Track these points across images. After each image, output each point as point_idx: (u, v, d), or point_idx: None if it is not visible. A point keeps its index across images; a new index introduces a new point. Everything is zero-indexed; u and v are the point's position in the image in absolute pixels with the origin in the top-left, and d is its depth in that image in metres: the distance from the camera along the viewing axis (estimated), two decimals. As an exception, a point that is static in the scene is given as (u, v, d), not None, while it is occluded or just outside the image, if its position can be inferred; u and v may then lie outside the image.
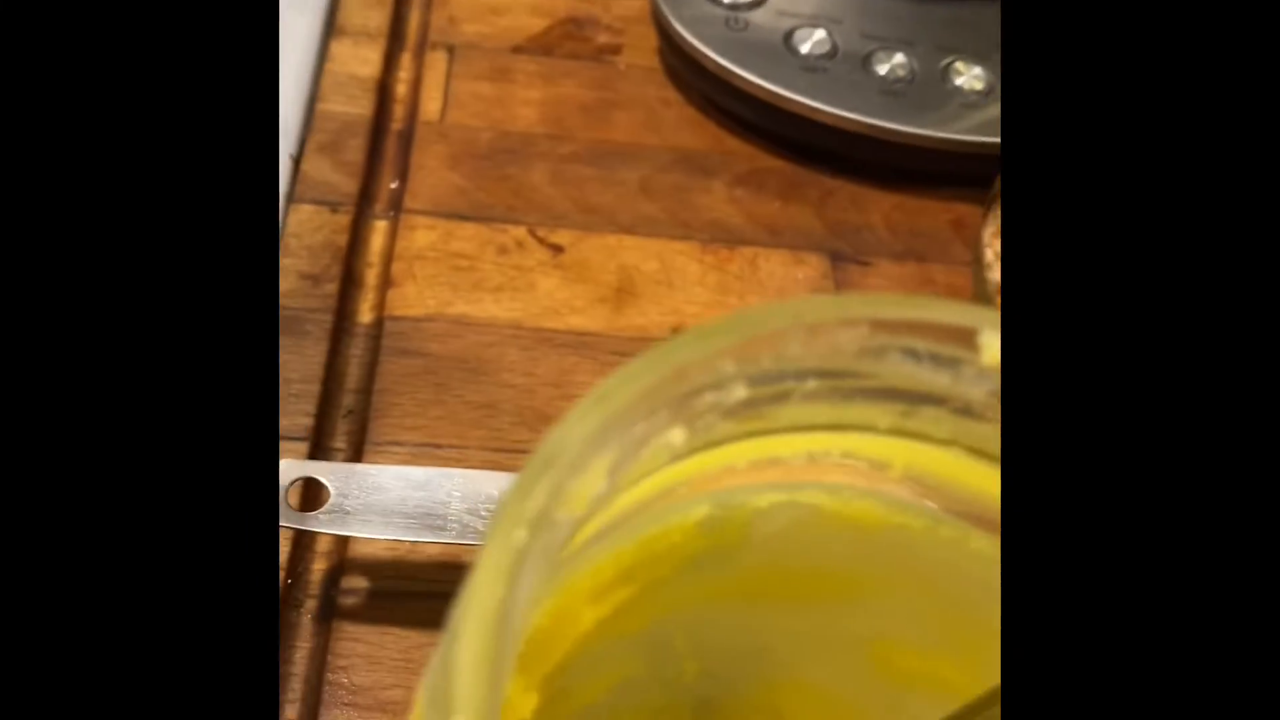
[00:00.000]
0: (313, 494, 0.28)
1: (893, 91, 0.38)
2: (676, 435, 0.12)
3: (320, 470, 0.25)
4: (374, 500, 0.25)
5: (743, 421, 0.13)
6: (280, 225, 0.34)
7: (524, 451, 0.31)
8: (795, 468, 0.16)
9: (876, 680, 0.19)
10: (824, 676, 0.19)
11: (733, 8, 0.39)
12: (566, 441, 0.11)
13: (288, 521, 0.24)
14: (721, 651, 0.18)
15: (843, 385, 0.14)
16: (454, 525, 0.24)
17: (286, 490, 0.24)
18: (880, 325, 0.13)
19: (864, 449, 0.16)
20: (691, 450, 0.13)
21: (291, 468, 0.25)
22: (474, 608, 0.10)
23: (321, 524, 0.24)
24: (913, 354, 0.14)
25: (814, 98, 0.37)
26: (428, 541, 0.25)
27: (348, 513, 0.24)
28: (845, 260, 0.36)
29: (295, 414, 0.29)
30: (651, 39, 0.42)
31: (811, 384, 0.14)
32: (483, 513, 0.25)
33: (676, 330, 0.33)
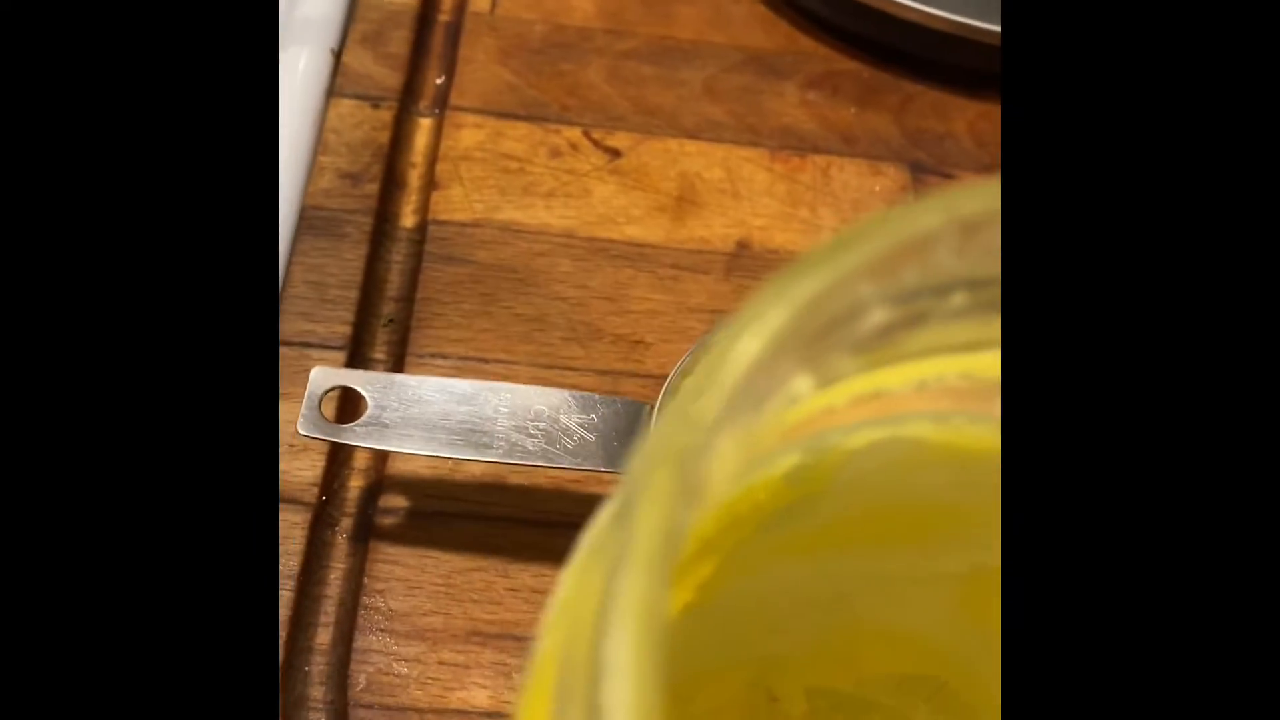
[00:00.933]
0: (350, 405, 0.26)
1: (984, -13, 0.34)
2: (801, 384, 0.10)
3: (357, 379, 0.23)
4: (415, 413, 0.23)
5: (870, 353, 0.10)
6: (318, 120, 0.32)
7: (574, 369, 0.29)
8: (901, 398, 0.13)
9: (967, 619, 0.17)
10: (907, 619, 0.17)
11: (810, -108, 0.35)
12: (695, 418, 0.09)
13: (321, 433, 0.22)
14: (791, 605, 0.16)
15: (995, 295, 0.12)
16: (500, 443, 0.22)
17: (320, 400, 0.23)
18: None
19: (991, 368, 0.13)
20: (809, 396, 0.10)
21: (326, 376, 0.23)
22: (630, 639, 0.08)
23: (357, 436, 0.22)
24: None
25: (898, -8, 0.34)
26: (472, 460, 0.23)
27: (386, 426, 0.22)
28: (926, 172, 0.33)
29: (332, 321, 0.27)
30: (719, -71, 0.38)
31: (958, 299, 0.11)
32: (531, 430, 0.23)
33: (741, 245, 0.31)
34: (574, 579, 0.10)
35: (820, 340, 0.10)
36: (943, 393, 0.13)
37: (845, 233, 0.09)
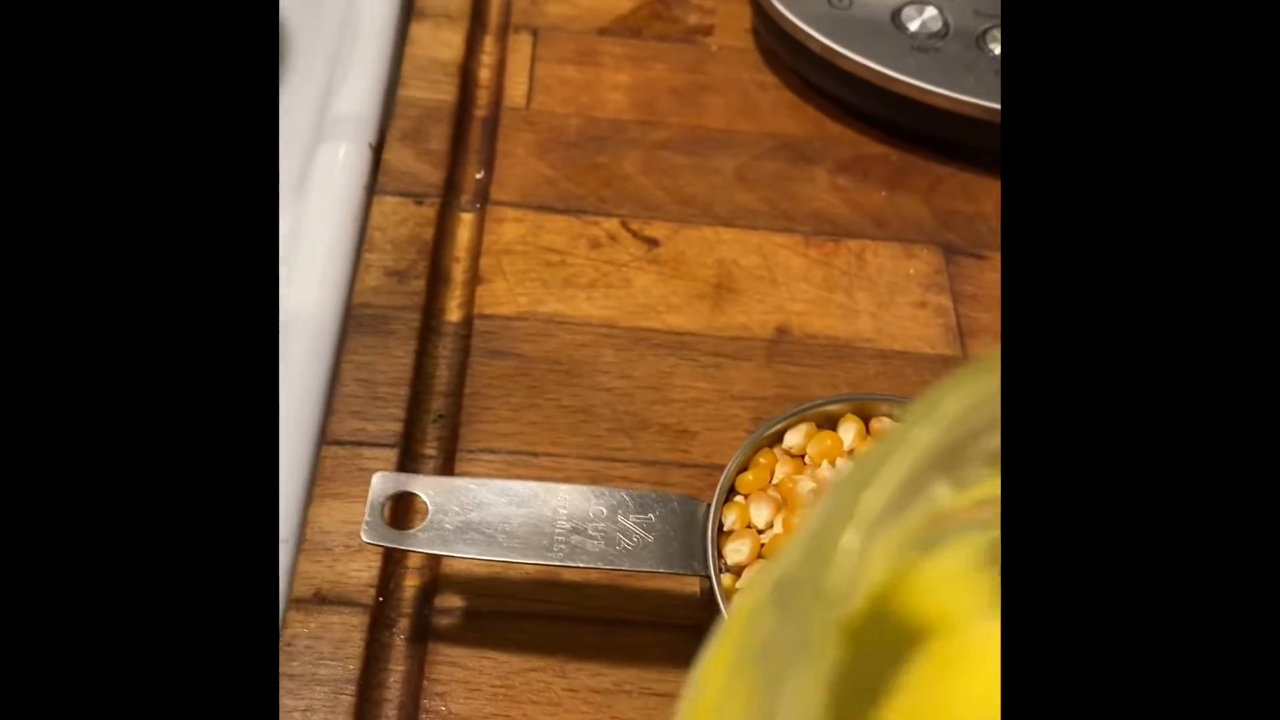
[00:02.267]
0: (405, 504, 0.26)
1: (1008, 72, 0.35)
2: (941, 491, 0.10)
3: (417, 485, 0.23)
4: (474, 518, 0.23)
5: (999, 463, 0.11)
6: (360, 216, 0.32)
7: (622, 460, 0.29)
8: None
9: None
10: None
11: (834, -17, 0.36)
12: (846, 545, 0.09)
13: (384, 540, 0.23)
14: (869, 692, 0.17)
15: None
16: (561, 546, 0.23)
17: (382, 506, 0.23)
18: None
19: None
20: (946, 501, 0.11)
21: (386, 482, 0.23)
22: None
23: (420, 543, 0.23)
24: None
25: (924, 79, 0.34)
26: (534, 564, 0.23)
27: (448, 530, 0.23)
28: (958, 253, 0.34)
29: (383, 419, 0.28)
30: (743, 18, 0.39)
31: None
32: (590, 532, 0.23)
33: (781, 330, 0.31)
34: (715, 677, 0.11)
35: (961, 452, 0.10)
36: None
37: (988, 355, 0.10)
